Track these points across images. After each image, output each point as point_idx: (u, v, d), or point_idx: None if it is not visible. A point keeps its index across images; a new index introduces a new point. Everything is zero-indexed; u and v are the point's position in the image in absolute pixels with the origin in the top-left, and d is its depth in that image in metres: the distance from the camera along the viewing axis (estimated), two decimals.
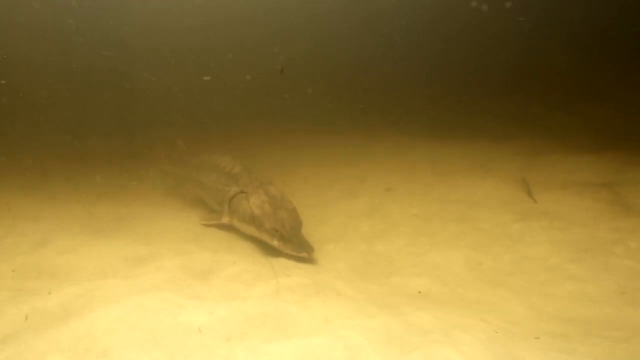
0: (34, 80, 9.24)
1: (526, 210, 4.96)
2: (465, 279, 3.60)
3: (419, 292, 3.35)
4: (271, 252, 4.14)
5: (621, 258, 3.75)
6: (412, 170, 6.62)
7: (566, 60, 9.53)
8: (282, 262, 3.85)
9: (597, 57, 9.16)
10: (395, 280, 3.60)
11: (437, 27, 11.57)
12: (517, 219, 4.75)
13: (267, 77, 9.61)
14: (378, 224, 4.90)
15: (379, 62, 11.43)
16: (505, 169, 6.26)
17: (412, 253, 4.08)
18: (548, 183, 5.60)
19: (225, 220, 4.68)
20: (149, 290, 2.82)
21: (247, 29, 11.28)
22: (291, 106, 9.50)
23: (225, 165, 5.19)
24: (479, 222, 4.70)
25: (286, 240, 3.98)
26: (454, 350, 2.21)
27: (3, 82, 7.95)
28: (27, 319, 2.42)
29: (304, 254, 3.86)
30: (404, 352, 2.16)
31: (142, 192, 6.58)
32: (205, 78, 8.99)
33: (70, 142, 8.47)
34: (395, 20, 11.82)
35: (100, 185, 6.78)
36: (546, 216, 4.71)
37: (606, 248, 3.92)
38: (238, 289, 2.96)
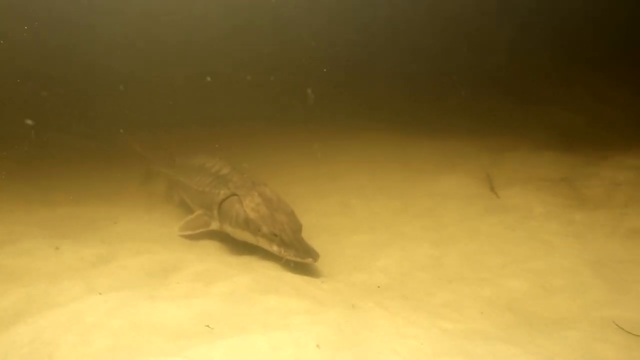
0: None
1: (488, 205, 5.10)
2: (424, 273, 3.68)
3: (378, 287, 3.42)
4: (239, 250, 4.14)
5: (575, 249, 3.91)
6: (382, 167, 6.72)
7: (535, 62, 9.79)
8: (245, 259, 3.87)
9: (564, 58, 9.44)
10: (356, 275, 3.66)
11: (410, 25, 11.70)
12: (479, 213, 4.88)
13: (225, 76, 9.56)
14: (345, 221, 4.96)
15: (350, 58, 11.49)
16: (472, 165, 6.42)
17: (375, 248, 4.15)
18: (511, 178, 5.77)
19: (214, 225, 4.29)
20: (105, 290, 2.81)
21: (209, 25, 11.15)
22: (252, 105, 9.49)
23: (212, 166, 4.82)
24: (442, 217, 4.82)
25: (287, 245, 3.65)
26: (401, 343, 2.27)
27: None
28: None
29: (310, 260, 3.54)
30: (352, 346, 2.22)
31: (115, 193, 6.49)
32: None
33: (44, 140, 8.26)
34: (366, 15, 11.88)
35: (70, 186, 6.66)
36: (506, 210, 4.86)
37: (561, 240, 4.07)
38: (196, 288, 2.97)
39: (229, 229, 4.13)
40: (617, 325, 2.67)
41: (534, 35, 10.54)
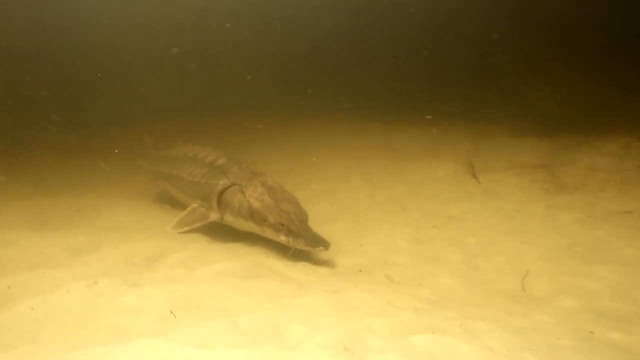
0: None
1: (470, 190, 5.20)
2: (404, 257, 3.76)
3: (360, 271, 3.49)
4: (224, 237, 4.15)
5: (551, 232, 4.02)
6: (366, 154, 6.77)
7: (517, 49, 9.86)
8: (230, 246, 3.91)
9: (544, 46, 9.55)
10: (339, 260, 3.72)
11: (395, 9, 11.68)
12: (461, 199, 4.98)
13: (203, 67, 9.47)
14: (328, 208, 5.01)
15: (333, 47, 11.47)
16: (455, 152, 6.50)
17: (358, 233, 4.22)
18: (492, 165, 5.87)
19: (214, 217, 4.16)
20: (87, 277, 2.82)
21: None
22: (236, 97, 9.44)
23: (206, 156, 4.69)
24: (424, 203, 4.90)
25: (296, 235, 3.60)
26: (377, 322, 2.34)
27: None
28: None
29: (321, 248, 3.51)
30: (329, 326, 2.28)
31: (98, 184, 6.44)
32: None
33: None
34: (345, 3, 11.82)
35: (52, 179, 6.61)
36: (487, 196, 4.96)
37: (538, 223, 4.18)
38: (179, 274, 3.00)
39: (230, 219, 4.05)
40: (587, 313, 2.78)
41: (518, 24, 10.62)
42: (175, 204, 5.03)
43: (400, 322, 2.40)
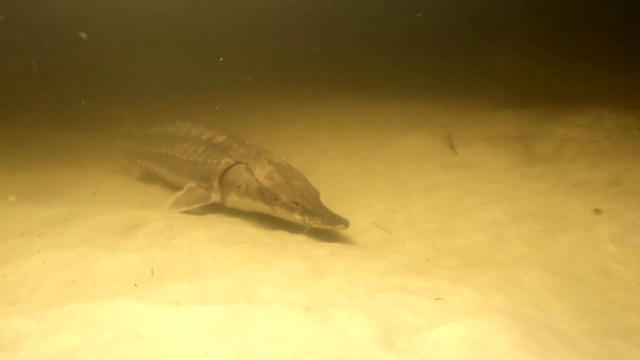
0: None
1: (447, 162, 5.32)
2: (380, 224, 3.88)
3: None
4: (204, 209, 4.20)
5: (521, 201, 4.16)
6: (347, 129, 6.83)
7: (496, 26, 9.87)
8: (209, 217, 3.98)
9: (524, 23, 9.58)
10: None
11: None
12: (438, 170, 5.09)
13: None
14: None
15: (313, 21, 11.33)
16: (434, 125, 6.60)
17: (336, 204, 4.31)
18: (470, 137, 5.98)
19: (215, 198, 4.00)
20: (67, 245, 2.88)
21: None
22: (215, 73, 9.33)
23: (201, 134, 4.47)
24: (402, 174, 5.01)
25: (311, 213, 3.48)
26: (347, 283, 2.46)
27: None
28: None
29: (341, 226, 3.40)
30: (300, 288, 2.39)
31: (79, 158, 6.42)
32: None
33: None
34: None
35: (31, 152, 6.56)
36: (463, 167, 5.08)
37: (509, 192, 4.32)
38: (157, 241, 3.08)
39: (235, 199, 3.89)
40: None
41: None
42: (159, 182, 5.03)
43: (368, 282, 2.52)
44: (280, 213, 3.63)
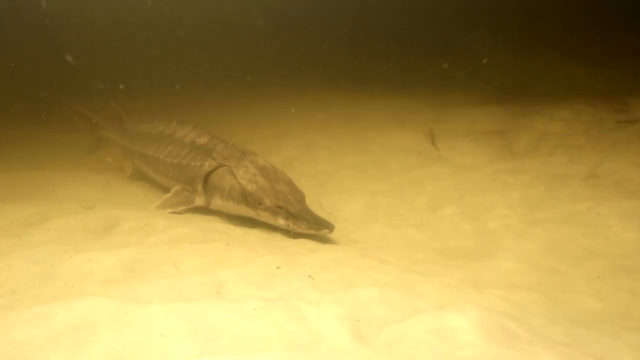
0: None
1: (427, 156, 5.36)
2: (360, 220, 3.89)
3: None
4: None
5: (499, 193, 4.20)
6: (331, 124, 6.83)
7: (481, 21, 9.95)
8: (187, 216, 3.95)
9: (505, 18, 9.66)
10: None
11: None
12: (418, 165, 5.12)
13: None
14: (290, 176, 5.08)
15: (299, 21, 11.32)
16: (417, 121, 6.63)
17: (316, 201, 4.31)
18: (452, 132, 6.03)
19: (199, 201, 3.93)
20: (39, 245, 2.84)
21: None
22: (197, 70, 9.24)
23: (185, 135, 4.36)
24: (383, 170, 5.04)
25: (296, 217, 3.39)
26: (319, 277, 2.46)
27: None
28: None
29: (325, 231, 3.30)
30: (273, 282, 2.38)
31: (57, 158, 6.32)
32: None
33: None
34: None
35: (7, 152, 6.44)
36: (443, 161, 5.12)
37: (487, 186, 4.36)
38: (132, 240, 3.05)
39: (218, 203, 3.80)
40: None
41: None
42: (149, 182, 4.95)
43: (343, 277, 2.52)
44: (264, 217, 3.54)
